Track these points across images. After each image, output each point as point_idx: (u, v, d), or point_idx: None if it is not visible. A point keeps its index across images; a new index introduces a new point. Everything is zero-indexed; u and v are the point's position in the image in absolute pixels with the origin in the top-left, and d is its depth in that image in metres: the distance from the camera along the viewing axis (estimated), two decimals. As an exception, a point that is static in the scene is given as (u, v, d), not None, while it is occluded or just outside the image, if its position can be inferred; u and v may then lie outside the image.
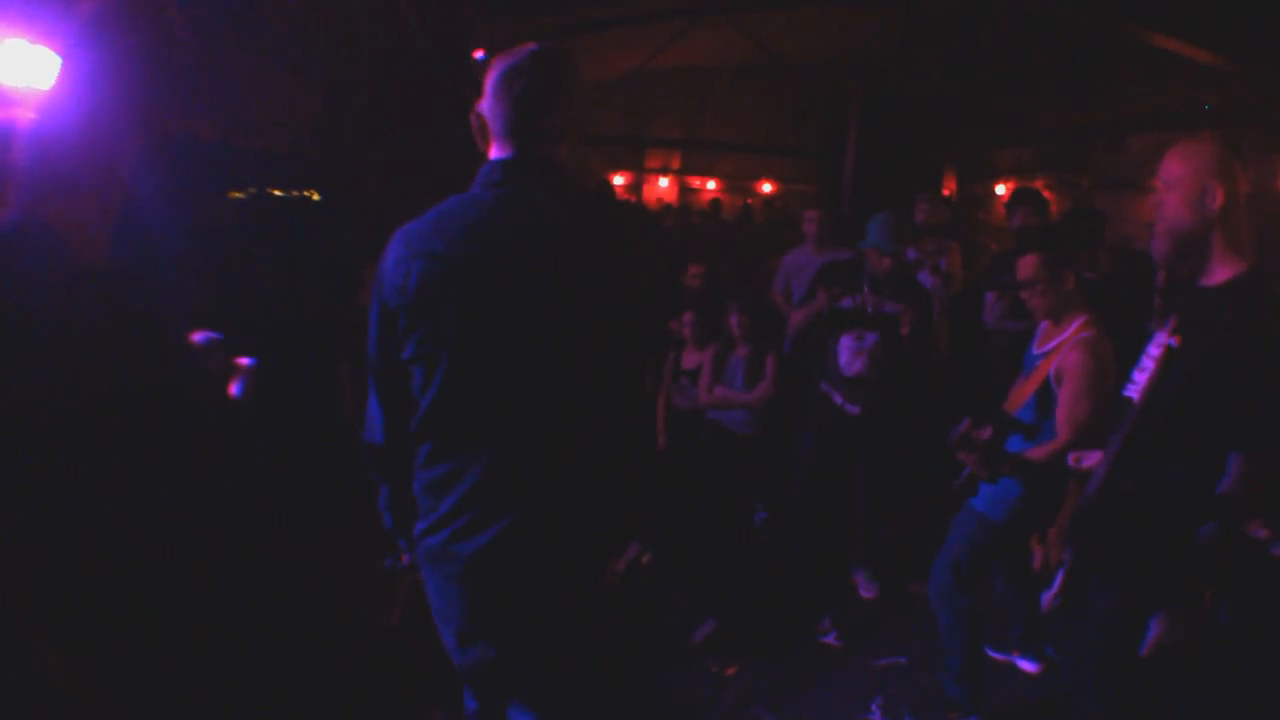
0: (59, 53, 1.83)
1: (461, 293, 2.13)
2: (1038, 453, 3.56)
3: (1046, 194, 8.43)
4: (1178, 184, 2.54)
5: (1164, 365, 2.55)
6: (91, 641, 1.94)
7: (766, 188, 14.81)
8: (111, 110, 1.81)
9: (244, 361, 3.78)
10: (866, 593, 5.17)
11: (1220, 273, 2.54)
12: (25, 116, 1.87)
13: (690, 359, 5.87)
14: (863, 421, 5.00)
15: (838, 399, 5.04)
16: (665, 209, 14.13)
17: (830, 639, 4.67)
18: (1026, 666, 4.39)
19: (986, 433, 3.66)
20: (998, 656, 4.43)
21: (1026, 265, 3.77)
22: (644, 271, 2.25)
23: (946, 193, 10.94)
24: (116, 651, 1.99)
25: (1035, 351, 3.81)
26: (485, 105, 2.26)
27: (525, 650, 2.30)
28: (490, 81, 2.23)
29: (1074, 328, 3.66)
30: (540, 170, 2.21)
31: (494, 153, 2.26)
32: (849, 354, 4.99)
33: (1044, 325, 3.85)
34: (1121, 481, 2.62)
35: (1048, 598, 2.89)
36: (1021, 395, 3.74)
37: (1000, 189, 12.29)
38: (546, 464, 2.16)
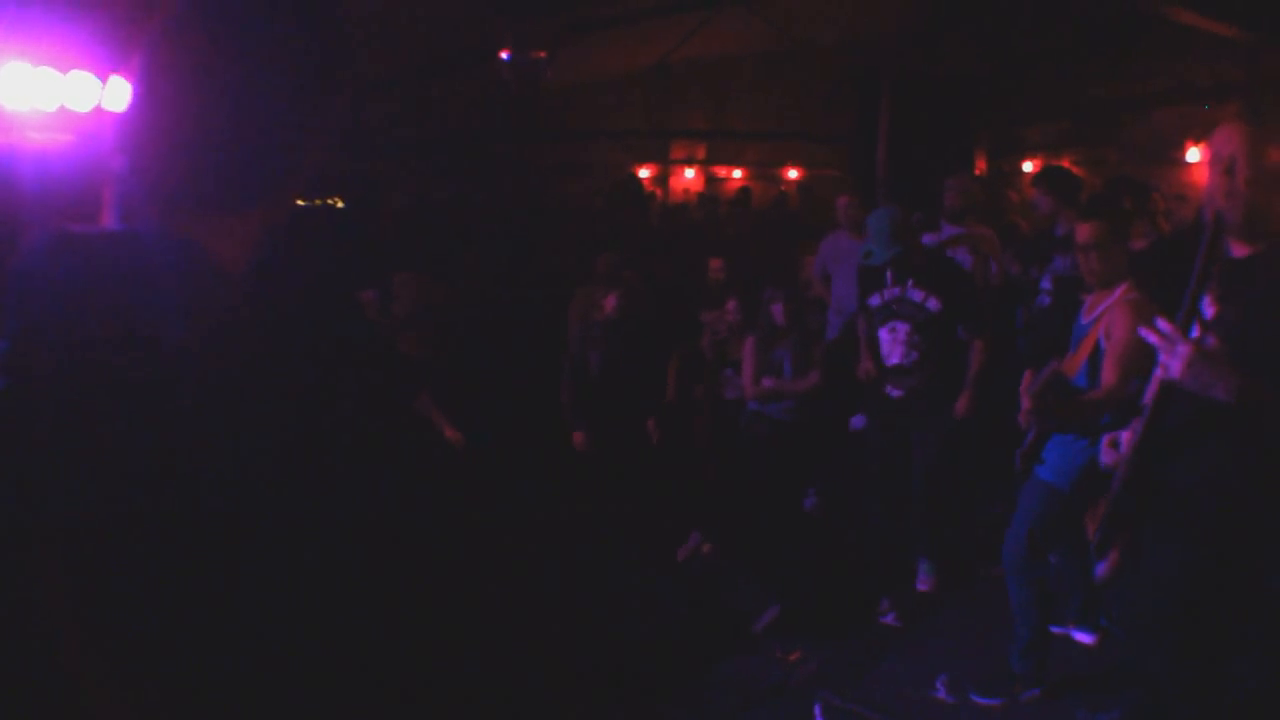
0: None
1: None
2: (1092, 397, 3.69)
3: (1076, 170, 8.46)
4: (1214, 160, 2.67)
5: (1203, 334, 2.65)
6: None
7: (793, 174, 14.78)
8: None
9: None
10: (923, 585, 5.14)
11: (1251, 245, 2.67)
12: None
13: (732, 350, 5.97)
14: (905, 404, 5.12)
15: (886, 387, 5.19)
16: (698, 199, 14.04)
17: (890, 619, 4.77)
18: (1083, 638, 4.47)
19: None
20: (1054, 630, 4.49)
21: (1086, 230, 3.92)
22: None
23: (977, 172, 10.99)
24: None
25: (1084, 320, 3.95)
26: None
27: None
28: None
29: (1120, 291, 3.82)
30: None
31: None
32: (886, 346, 5.15)
33: (1090, 297, 4.01)
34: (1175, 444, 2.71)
35: (1102, 567, 2.98)
36: (1075, 362, 3.86)
37: (1028, 166, 12.27)
38: None
